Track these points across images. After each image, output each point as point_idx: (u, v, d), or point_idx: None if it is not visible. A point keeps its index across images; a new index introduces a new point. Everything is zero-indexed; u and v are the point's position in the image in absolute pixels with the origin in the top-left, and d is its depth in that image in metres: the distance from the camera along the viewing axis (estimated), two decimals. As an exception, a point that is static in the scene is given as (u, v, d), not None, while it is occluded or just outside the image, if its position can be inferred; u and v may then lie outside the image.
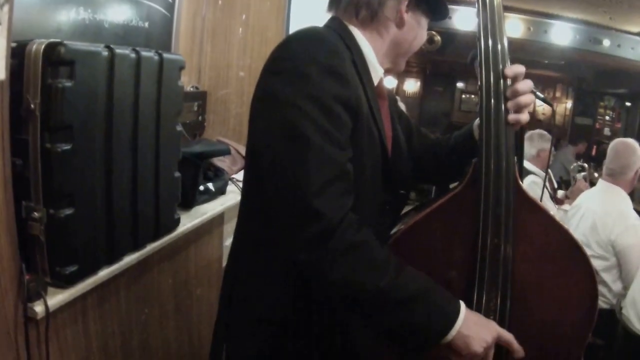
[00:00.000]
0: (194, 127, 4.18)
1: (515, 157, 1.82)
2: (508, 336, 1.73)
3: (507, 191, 1.78)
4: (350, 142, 1.65)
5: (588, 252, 4.27)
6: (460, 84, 18.77)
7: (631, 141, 4.61)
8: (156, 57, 2.42)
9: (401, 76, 17.49)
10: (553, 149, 6.84)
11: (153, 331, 2.85)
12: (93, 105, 2.10)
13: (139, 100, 2.33)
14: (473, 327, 1.67)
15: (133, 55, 2.27)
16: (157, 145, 2.50)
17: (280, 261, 1.74)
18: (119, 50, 2.18)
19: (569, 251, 1.90)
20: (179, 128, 2.69)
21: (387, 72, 1.98)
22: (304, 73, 1.58)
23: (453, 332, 1.63)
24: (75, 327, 2.24)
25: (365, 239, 1.60)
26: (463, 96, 18.34)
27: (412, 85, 17.59)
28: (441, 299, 1.66)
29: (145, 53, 2.34)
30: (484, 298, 1.81)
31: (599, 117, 18.73)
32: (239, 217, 1.95)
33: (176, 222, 2.81)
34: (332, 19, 1.87)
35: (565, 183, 9.11)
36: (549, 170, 6.83)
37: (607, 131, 18.09)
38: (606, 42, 10.33)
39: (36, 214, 2.00)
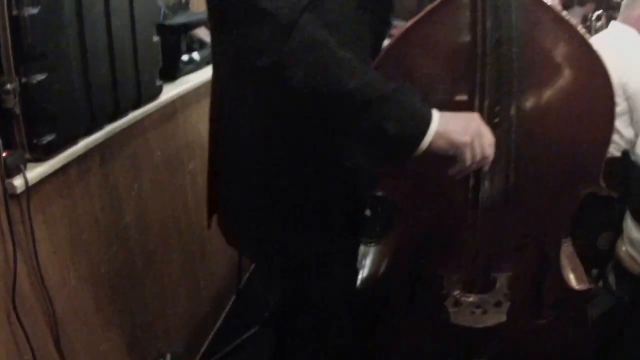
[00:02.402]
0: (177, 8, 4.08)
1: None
2: (490, 136, 1.71)
3: None
4: None
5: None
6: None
7: None
8: None
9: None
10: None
11: (147, 205, 2.81)
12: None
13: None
14: (451, 120, 1.64)
15: None
16: (131, 8, 2.41)
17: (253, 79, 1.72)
18: None
19: (583, 51, 1.87)
20: (154, -10, 2.58)
21: None
22: None
23: (431, 131, 1.60)
24: (61, 202, 2.17)
25: (327, 38, 1.55)
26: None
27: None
28: (412, 99, 1.62)
29: None
30: (487, 101, 1.79)
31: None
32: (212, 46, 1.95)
33: (158, 89, 2.74)
34: None
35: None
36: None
37: (619, -4, 17.80)
38: None
39: (9, 86, 1.91)
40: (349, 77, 1.53)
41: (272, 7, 1.47)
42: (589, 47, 1.85)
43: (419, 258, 2.14)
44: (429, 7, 1.80)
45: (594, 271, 3.74)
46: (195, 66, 3.32)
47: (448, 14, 1.81)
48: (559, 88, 1.86)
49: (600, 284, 3.67)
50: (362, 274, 2.32)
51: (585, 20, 10.40)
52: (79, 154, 2.19)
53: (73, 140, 2.16)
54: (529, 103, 1.84)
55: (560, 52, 1.85)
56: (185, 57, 3.24)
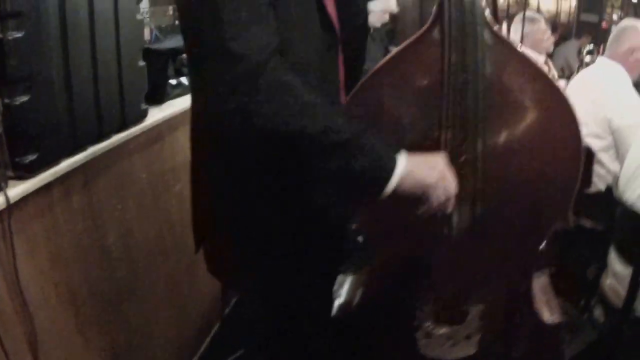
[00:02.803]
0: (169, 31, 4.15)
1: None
2: (453, 180, 1.77)
3: (474, 23, 1.78)
4: None
5: (584, 130, 4.27)
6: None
7: (639, 23, 4.49)
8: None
9: (401, -22, 17.30)
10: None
11: (130, 226, 2.84)
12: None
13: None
14: (417, 162, 1.71)
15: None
16: (117, 34, 2.47)
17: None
18: None
19: (548, 91, 1.91)
20: (140, 17, 2.68)
21: None
22: None
23: (396, 174, 1.66)
24: (43, 221, 2.21)
25: (295, 82, 1.60)
26: None
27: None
28: (379, 142, 1.68)
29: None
30: (453, 140, 1.84)
31: (606, 15, 18.58)
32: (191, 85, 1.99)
33: (144, 113, 2.79)
34: None
35: (568, 79, 9.09)
36: (549, 61, 6.80)
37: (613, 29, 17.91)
38: None
39: (-8, 107, 1.97)
40: (316, 121, 1.59)
41: (241, 49, 1.52)
42: (554, 88, 1.90)
43: (392, 289, 2.17)
44: (398, 48, 1.88)
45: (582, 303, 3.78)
46: (183, 90, 3.35)
47: (417, 54, 1.87)
48: (524, 128, 1.91)
49: (586, 316, 3.71)
50: (339, 301, 2.34)
51: (580, 52, 10.51)
52: (61, 174, 2.24)
53: (56, 160, 2.20)
54: (494, 142, 1.89)
55: (526, 92, 1.90)
56: (173, 81, 3.28)
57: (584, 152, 1.95)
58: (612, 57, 4.43)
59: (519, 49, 1.94)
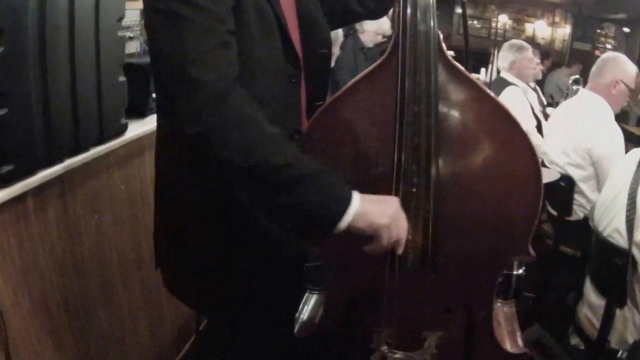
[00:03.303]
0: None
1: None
2: (405, 222, 1.79)
3: (427, 57, 1.80)
4: (235, 18, 1.69)
5: (565, 160, 4.36)
6: (459, 9, 18.72)
7: (621, 55, 4.62)
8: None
9: (399, 1, 17.42)
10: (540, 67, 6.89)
11: (106, 237, 2.90)
12: (24, 9, 2.11)
13: (75, 5, 2.35)
14: (370, 203, 1.71)
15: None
16: (97, 50, 2.53)
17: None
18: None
19: (504, 126, 1.90)
20: (121, 34, 2.73)
21: None
22: None
23: (349, 213, 1.67)
24: (17, 228, 2.28)
25: (256, 114, 1.64)
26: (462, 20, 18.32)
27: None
28: (334, 181, 1.70)
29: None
30: (405, 172, 1.84)
31: (599, 44, 18.65)
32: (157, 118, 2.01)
33: (123, 127, 2.85)
34: None
35: (557, 104, 9.15)
36: (537, 88, 6.87)
37: (607, 58, 17.98)
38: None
39: (-31, 119, 2.03)
40: (273, 155, 1.62)
41: (203, 77, 1.56)
42: (513, 122, 1.90)
43: (349, 313, 2.19)
44: (356, 77, 1.91)
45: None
46: None
47: (373, 85, 1.90)
48: (479, 162, 1.92)
49: (563, 344, 3.74)
50: (302, 319, 2.40)
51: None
52: (37, 185, 2.30)
53: (32, 172, 2.27)
54: (447, 175, 1.90)
55: (481, 126, 1.92)
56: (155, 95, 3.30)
57: (542, 186, 1.93)
58: (594, 89, 4.51)
59: (476, 81, 1.93)
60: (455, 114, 1.88)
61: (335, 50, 4.63)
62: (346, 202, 1.68)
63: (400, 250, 1.82)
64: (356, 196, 1.70)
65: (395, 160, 1.83)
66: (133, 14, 3.18)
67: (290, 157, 1.64)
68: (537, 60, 6.83)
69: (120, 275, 3.06)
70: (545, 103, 6.98)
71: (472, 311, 2.11)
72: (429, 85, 1.79)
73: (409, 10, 1.80)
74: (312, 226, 1.72)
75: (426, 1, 1.81)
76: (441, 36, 1.86)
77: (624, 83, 4.42)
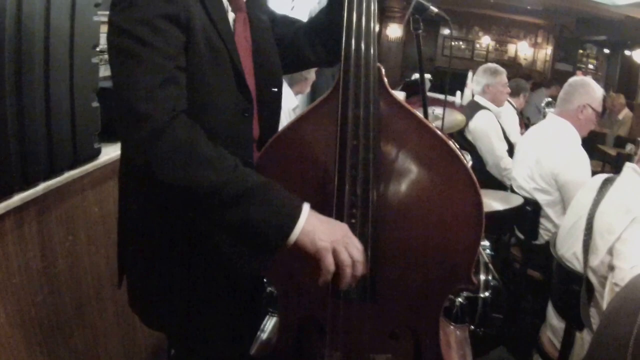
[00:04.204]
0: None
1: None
2: (357, 243, 1.81)
3: (367, 92, 1.86)
4: (187, 53, 1.80)
5: (532, 185, 4.46)
6: (445, 31, 18.92)
7: (588, 79, 4.68)
8: (67, -7, 2.52)
9: (384, 21, 17.55)
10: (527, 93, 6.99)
11: (80, 256, 2.99)
12: (0, 36, 2.21)
13: (50, 34, 2.44)
14: (318, 223, 1.76)
15: (42, -9, 2.38)
16: (71, 77, 2.62)
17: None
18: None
19: (444, 158, 1.92)
20: (95, 60, 2.81)
21: None
22: (132, 1, 1.72)
23: (297, 229, 1.72)
24: (-7, 248, 2.36)
25: (197, 138, 1.72)
26: (447, 42, 18.50)
27: (394, 31, 17.63)
28: (281, 196, 1.76)
29: (55, -11, 2.44)
30: (345, 204, 1.88)
31: (581, 65, 18.82)
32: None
33: (97, 151, 2.93)
34: None
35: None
36: (518, 110, 6.95)
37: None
38: (576, -14, 10.35)
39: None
40: (217, 176, 1.69)
41: (147, 110, 1.65)
42: (453, 155, 1.92)
43: (301, 334, 2.23)
44: (300, 114, 1.98)
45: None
46: None
47: (318, 118, 1.96)
48: (418, 194, 1.94)
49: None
50: (261, 339, 2.46)
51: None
52: (14, 206, 2.40)
53: (8, 194, 2.37)
54: (386, 206, 1.94)
55: (420, 159, 1.94)
56: None
57: (483, 218, 1.94)
58: (562, 114, 4.58)
59: (418, 114, 1.96)
60: (394, 146, 1.93)
61: (311, 76, 4.70)
62: (296, 212, 1.73)
63: (358, 273, 1.80)
64: (306, 206, 1.76)
65: (336, 191, 1.89)
66: None
67: (232, 174, 1.71)
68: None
69: (94, 295, 3.14)
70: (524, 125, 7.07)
71: (418, 336, 2.13)
72: (367, 119, 1.85)
73: (352, 46, 1.87)
74: (264, 238, 1.75)
75: (367, 37, 1.88)
76: (382, 70, 1.93)
77: (592, 107, 4.49)
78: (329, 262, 1.73)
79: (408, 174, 1.93)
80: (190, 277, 2.04)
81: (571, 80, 4.67)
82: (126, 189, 2.11)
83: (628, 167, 3.27)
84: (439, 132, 1.92)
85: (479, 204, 1.91)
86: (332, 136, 1.88)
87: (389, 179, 1.92)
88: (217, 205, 1.70)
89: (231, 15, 2.01)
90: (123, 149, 2.00)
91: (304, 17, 7.42)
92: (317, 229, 1.74)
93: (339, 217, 1.87)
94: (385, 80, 1.92)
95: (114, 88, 1.78)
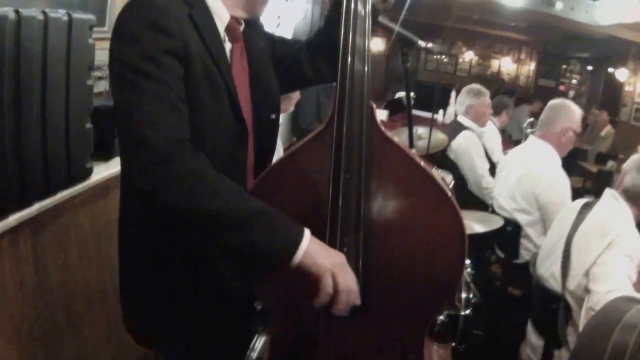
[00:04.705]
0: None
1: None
2: (352, 274, 1.91)
3: (360, 129, 1.94)
4: (185, 84, 1.88)
5: (513, 205, 4.54)
6: (424, 44, 18.99)
7: (568, 102, 4.75)
8: (65, 18, 2.59)
9: (368, 35, 17.64)
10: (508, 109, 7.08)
11: (72, 272, 3.06)
12: (0, 60, 2.29)
13: (47, 57, 2.51)
14: (319, 247, 1.86)
15: (41, 17, 2.45)
16: (67, 99, 2.68)
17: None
18: (26, 13, 2.36)
19: (429, 190, 2.01)
20: (90, 82, 2.88)
21: (248, 16, 2.17)
22: (135, 36, 1.81)
23: (300, 251, 1.80)
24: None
25: (203, 165, 1.81)
26: (430, 56, 18.56)
27: (377, 44, 17.68)
28: (284, 220, 1.84)
29: (53, 14, 2.51)
30: (338, 233, 1.97)
31: (564, 80, 18.95)
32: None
33: (89, 171, 2.99)
34: None
35: (515, 143, 9.35)
36: (500, 128, 7.03)
37: (571, 94, 18.30)
38: (559, 5, 10.42)
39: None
40: (222, 201, 1.77)
41: (153, 136, 1.73)
42: (439, 189, 2.01)
43: (290, 352, 2.30)
44: (295, 146, 2.07)
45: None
46: None
47: (312, 150, 2.05)
48: (406, 225, 2.02)
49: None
50: (251, 357, 2.55)
51: (532, 115, 10.77)
52: (11, 226, 2.47)
53: (5, 215, 2.44)
54: (376, 236, 2.02)
55: (408, 192, 2.02)
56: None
57: (466, 246, 2.02)
58: (544, 137, 4.67)
59: (407, 150, 2.05)
60: (384, 179, 2.01)
61: (296, 95, 4.76)
62: (297, 241, 1.81)
63: (353, 300, 1.90)
64: (307, 237, 1.84)
65: (329, 221, 1.97)
66: (103, 54, 3.28)
67: (237, 199, 1.80)
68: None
69: (85, 308, 3.21)
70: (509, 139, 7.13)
71: (404, 353, 2.21)
72: (360, 154, 1.94)
73: (347, 85, 1.95)
74: (267, 259, 1.82)
75: (361, 77, 1.96)
76: (374, 106, 2.01)
77: (572, 130, 4.60)
78: (329, 284, 1.82)
79: (396, 205, 2.03)
80: (186, 296, 2.11)
81: (552, 104, 4.75)
82: (126, 209, 2.16)
83: (607, 193, 3.37)
84: (427, 168, 2.02)
85: (462, 234, 2.00)
86: (324, 169, 1.97)
87: (379, 209, 2.01)
88: (221, 228, 1.79)
89: (228, 46, 2.10)
90: (124, 170, 2.06)
91: (289, 33, 7.54)
92: (318, 252, 1.83)
93: (332, 245, 1.95)
94: (377, 116, 2.00)
95: (116, 114, 1.87)
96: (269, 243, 1.79)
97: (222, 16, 2.05)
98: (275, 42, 2.42)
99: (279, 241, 1.80)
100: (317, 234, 1.91)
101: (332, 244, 1.95)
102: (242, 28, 2.15)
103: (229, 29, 2.09)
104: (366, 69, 1.98)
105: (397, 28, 2.33)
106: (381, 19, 2.23)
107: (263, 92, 2.23)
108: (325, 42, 2.32)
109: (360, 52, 1.98)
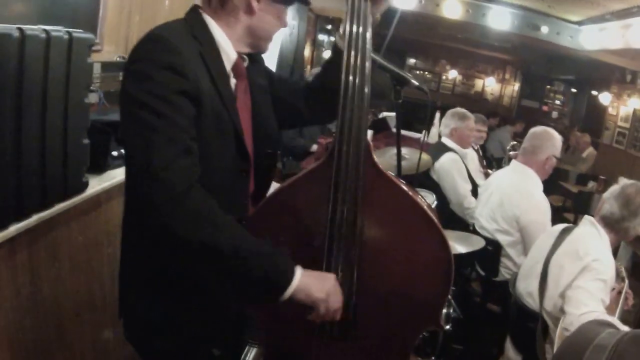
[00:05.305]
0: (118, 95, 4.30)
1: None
2: (340, 293, 2.09)
3: (357, 165, 2.04)
4: (195, 124, 1.96)
5: (494, 226, 4.66)
6: (410, 60, 19.12)
7: (551, 130, 4.87)
8: (66, 36, 2.67)
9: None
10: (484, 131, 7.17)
11: (63, 282, 3.13)
12: (3, 79, 2.36)
13: (49, 75, 2.58)
14: (310, 278, 2.01)
15: (43, 35, 2.52)
16: (65, 115, 2.75)
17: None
18: (29, 32, 2.43)
19: (420, 222, 2.15)
20: (88, 100, 2.95)
21: (253, 52, 2.26)
22: (148, 74, 1.89)
23: (292, 286, 1.97)
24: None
25: (213, 205, 1.91)
26: (414, 72, 18.64)
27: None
28: (278, 259, 1.99)
29: (55, 33, 2.59)
30: (333, 263, 2.10)
31: (548, 100, 19.08)
32: (125, 195, 2.22)
33: (84, 185, 3.06)
34: (192, 8, 2.14)
35: (497, 161, 9.45)
36: (479, 149, 7.13)
37: (554, 114, 18.46)
38: (544, 29, 10.58)
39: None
40: (230, 239, 1.90)
41: (168, 177, 1.82)
42: (428, 220, 2.14)
43: None
44: (293, 178, 2.17)
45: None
46: (123, 161, 3.44)
47: (309, 183, 2.16)
48: (396, 253, 2.17)
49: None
50: None
51: (515, 136, 10.88)
52: (9, 237, 2.55)
53: (4, 226, 2.51)
54: (368, 263, 2.14)
55: (399, 222, 2.18)
56: (115, 153, 3.52)
57: (452, 272, 2.16)
58: (527, 163, 4.79)
59: (398, 182, 2.17)
60: (377, 211, 2.13)
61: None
62: (289, 276, 1.97)
63: (337, 317, 2.10)
64: (299, 271, 2.00)
65: (326, 248, 2.09)
66: (94, 67, 3.34)
67: (241, 241, 1.93)
68: (481, 127, 7.06)
69: (74, 318, 3.28)
70: (485, 163, 7.23)
71: None
72: (356, 188, 2.04)
73: (345, 128, 2.03)
74: (260, 294, 2.04)
75: (359, 118, 2.03)
76: (371, 144, 2.11)
77: (555, 157, 4.75)
78: (322, 312, 2.05)
79: (388, 235, 2.17)
80: (185, 313, 2.20)
81: (536, 133, 4.85)
82: (129, 233, 2.27)
83: (586, 219, 3.51)
84: (417, 200, 2.15)
85: (449, 261, 2.14)
86: (322, 200, 2.08)
87: (372, 239, 2.14)
88: (221, 263, 1.94)
89: (233, 82, 2.18)
90: (131, 200, 2.17)
91: (275, 50, 7.57)
92: (310, 285, 2.00)
93: (328, 269, 2.11)
94: (373, 153, 2.11)
95: (128, 151, 1.98)
96: (265, 279, 1.96)
97: (229, 53, 2.13)
98: (274, 81, 2.48)
99: (273, 278, 1.97)
100: (311, 259, 2.07)
101: (328, 268, 2.11)
102: (246, 64, 2.24)
103: (235, 66, 2.17)
104: (364, 109, 2.06)
105: (393, 67, 2.42)
106: (378, 59, 2.32)
107: (263, 127, 2.33)
108: (323, 87, 2.40)
109: (360, 96, 2.05)
